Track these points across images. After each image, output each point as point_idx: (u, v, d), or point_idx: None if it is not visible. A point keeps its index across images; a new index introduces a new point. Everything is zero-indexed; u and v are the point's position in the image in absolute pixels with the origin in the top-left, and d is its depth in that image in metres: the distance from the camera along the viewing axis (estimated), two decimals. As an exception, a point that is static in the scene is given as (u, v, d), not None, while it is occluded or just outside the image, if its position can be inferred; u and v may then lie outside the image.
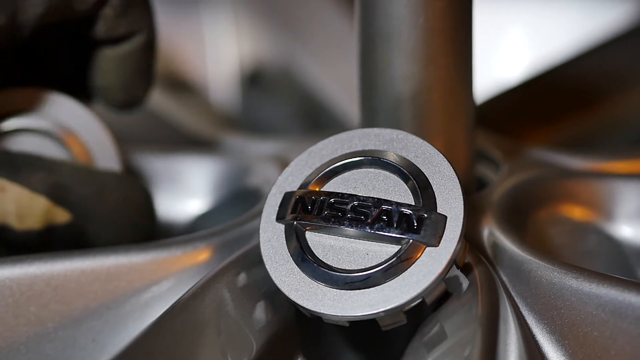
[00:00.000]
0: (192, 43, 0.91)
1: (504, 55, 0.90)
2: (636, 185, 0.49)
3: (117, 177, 0.47)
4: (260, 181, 0.54)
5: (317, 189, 0.42)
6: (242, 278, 0.42)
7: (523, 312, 0.41)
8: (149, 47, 0.49)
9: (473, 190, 0.49)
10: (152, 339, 0.38)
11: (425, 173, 0.41)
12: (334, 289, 0.39)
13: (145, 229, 0.48)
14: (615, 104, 0.63)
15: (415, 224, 0.39)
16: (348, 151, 0.42)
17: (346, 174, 0.42)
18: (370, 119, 0.46)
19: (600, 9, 0.87)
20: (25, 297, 0.43)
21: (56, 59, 0.50)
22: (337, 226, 0.40)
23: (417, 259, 0.39)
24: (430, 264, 0.39)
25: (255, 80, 0.88)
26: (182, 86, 0.88)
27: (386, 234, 0.39)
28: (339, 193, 0.41)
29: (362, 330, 0.41)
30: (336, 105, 0.78)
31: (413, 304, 0.39)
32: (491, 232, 0.45)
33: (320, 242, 0.41)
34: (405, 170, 0.41)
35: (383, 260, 0.39)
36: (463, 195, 0.40)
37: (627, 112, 0.64)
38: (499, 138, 0.54)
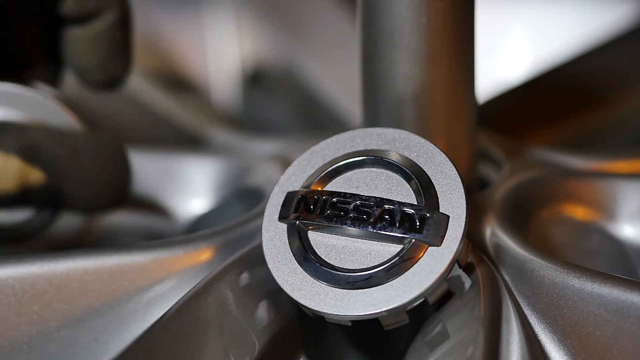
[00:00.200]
0: (193, 43, 0.91)
1: (506, 56, 0.90)
2: (638, 185, 0.49)
3: (91, 136, 0.47)
4: (262, 181, 0.54)
5: (319, 189, 0.42)
6: (244, 277, 0.42)
7: (525, 312, 0.41)
8: (123, 24, 0.48)
9: (475, 190, 0.49)
10: (155, 338, 0.38)
11: (427, 173, 0.41)
12: (337, 289, 0.39)
13: (121, 187, 0.47)
14: (616, 104, 0.63)
15: (418, 224, 0.39)
16: (350, 151, 0.42)
17: (348, 174, 0.42)
18: (372, 118, 0.46)
19: (601, 9, 0.87)
20: (27, 296, 0.43)
21: (25, 41, 0.49)
22: (339, 226, 0.40)
23: (420, 258, 0.39)
24: (433, 264, 0.39)
25: (256, 80, 0.88)
26: (184, 86, 0.88)
27: (388, 233, 0.39)
28: (341, 192, 0.41)
29: (365, 329, 0.41)
30: (337, 105, 0.78)
31: (415, 304, 0.39)
32: (493, 231, 0.45)
33: (322, 242, 0.41)
34: (407, 170, 0.41)
35: (385, 259, 0.39)
36: (465, 195, 0.40)
37: (628, 112, 0.64)
38: (500, 138, 0.54)
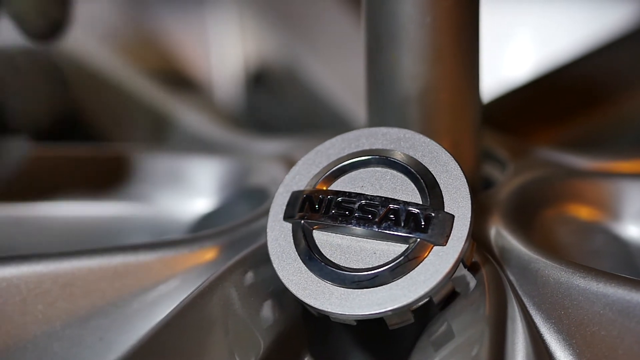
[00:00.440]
0: (196, 42, 0.91)
1: (511, 55, 0.90)
2: (643, 185, 0.49)
3: (29, 52, 0.46)
4: (266, 180, 0.54)
5: (324, 188, 0.42)
6: (249, 277, 0.42)
7: (530, 311, 0.41)
8: None
9: (480, 190, 0.49)
10: (160, 337, 0.38)
11: (432, 172, 0.41)
12: (342, 288, 0.39)
13: (60, 98, 0.46)
14: (621, 104, 0.63)
15: (423, 223, 0.39)
16: (355, 150, 0.42)
17: (353, 173, 0.42)
18: (377, 118, 0.46)
19: (605, 10, 0.87)
20: (32, 296, 0.43)
21: None
22: (344, 225, 0.40)
23: (425, 258, 0.39)
24: (438, 263, 0.39)
25: (259, 79, 0.88)
26: (187, 85, 0.88)
27: (394, 233, 0.39)
28: (346, 192, 0.41)
29: (370, 329, 0.41)
30: (341, 105, 0.78)
31: (420, 303, 0.39)
32: (498, 231, 0.45)
33: (327, 241, 0.41)
34: (412, 170, 0.41)
35: (390, 259, 0.39)
36: (470, 194, 0.40)
37: (633, 111, 0.64)
38: (505, 138, 0.54)
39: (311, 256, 0.40)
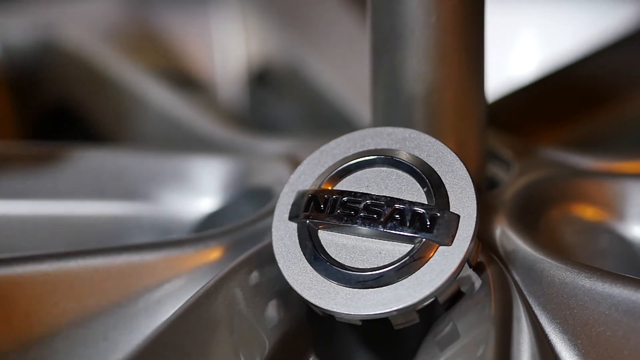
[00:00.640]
0: (200, 41, 0.91)
1: (516, 55, 0.90)
2: (648, 185, 0.49)
3: None
4: (270, 180, 0.54)
5: (329, 188, 0.42)
6: (254, 276, 0.42)
7: (535, 312, 0.41)
8: None
9: (484, 190, 0.49)
10: (165, 337, 0.38)
11: (437, 172, 0.41)
12: (347, 288, 0.39)
13: None
14: (625, 104, 0.63)
15: (428, 223, 0.39)
16: (360, 150, 0.42)
17: (359, 173, 0.42)
18: (382, 118, 0.46)
19: (610, 10, 0.87)
20: (36, 295, 0.43)
21: None
22: (349, 225, 0.40)
23: (430, 258, 0.39)
24: (443, 263, 0.39)
25: (263, 78, 0.88)
26: (190, 84, 0.88)
27: (399, 232, 0.39)
28: (351, 192, 0.41)
29: (375, 329, 0.41)
30: (344, 104, 0.78)
31: (426, 303, 0.39)
32: (503, 231, 0.44)
33: (332, 241, 0.41)
34: (417, 169, 0.41)
35: (396, 259, 0.39)
36: (476, 194, 0.40)
37: (637, 111, 0.63)
38: (509, 138, 0.54)
39: (316, 256, 0.40)
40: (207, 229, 0.50)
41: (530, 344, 0.39)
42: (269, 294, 0.42)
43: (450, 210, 0.40)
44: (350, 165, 0.42)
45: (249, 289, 0.42)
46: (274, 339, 0.41)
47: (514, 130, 0.55)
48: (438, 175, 0.41)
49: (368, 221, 0.40)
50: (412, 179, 0.41)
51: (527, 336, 0.40)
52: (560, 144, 0.58)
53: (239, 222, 0.46)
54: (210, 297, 0.40)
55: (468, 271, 0.40)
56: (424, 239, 0.39)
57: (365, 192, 0.41)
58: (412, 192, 0.41)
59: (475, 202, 0.40)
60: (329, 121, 0.79)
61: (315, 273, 0.40)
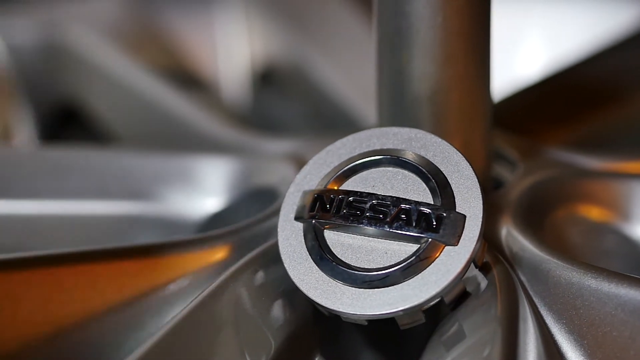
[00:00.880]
0: (204, 41, 0.91)
1: (521, 56, 0.90)
2: (653, 185, 0.49)
3: None
4: (275, 180, 0.54)
5: (335, 188, 0.42)
6: (260, 276, 0.42)
7: (541, 312, 0.41)
8: None
9: (490, 190, 0.49)
10: (170, 337, 0.38)
11: (444, 172, 0.41)
12: (353, 288, 0.39)
13: None
14: (630, 104, 0.63)
15: (434, 223, 0.39)
16: (366, 150, 0.42)
17: (365, 173, 0.42)
18: (388, 117, 0.46)
19: (614, 10, 0.87)
20: (40, 297, 0.43)
21: None
22: (355, 225, 0.40)
23: (436, 258, 0.39)
24: (449, 263, 0.39)
25: (266, 78, 0.88)
26: (194, 84, 0.88)
27: (405, 232, 0.39)
28: (357, 192, 0.41)
29: (381, 329, 0.41)
30: (348, 104, 0.78)
31: (432, 303, 0.39)
32: (509, 231, 0.44)
33: (338, 241, 0.41)
34: (424, 169, 0.41)
35: (402, 259, 0.39)
36: (482, 194, 0.40)
37: (643, 111, 0.63)
38: (515, 138, 0.54)
39: (322, 256, 0.40)
40: (212, 228, 0.50)
41: (537, 344, 0.39)
42: (275, 294, 0.42)
43: (457, 210, 0.40)
44: (356, 165, 0.42)
45: (255, 289, 0.42)
46: (279, 339, 0.41)
47: (519, 130, 0.55)
48: (444, 175, 0.41)
49: (374, 221, 0.40)
50: (418, 179, 0.41)
51: (533, 336, 0.40)
52: (566, 144, 0.58)
53: (244, 222, 0.46)
54: (216, 297, 0.40)
55: (474, 271, 0.40)
56: (430, 239, 0.39)
57: (371, 192, 0.41)
58: (418, 192, 0.41)
59: (481, 202, 0.40)
60: (332, 121, 0.79)
61: (321, 273, 0.40)
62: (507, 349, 0.37)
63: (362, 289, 0.39)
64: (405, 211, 0.40)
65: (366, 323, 0.39)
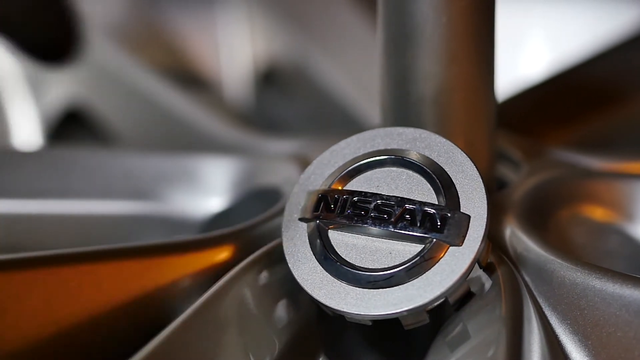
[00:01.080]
0: (206, 41, 0.91)
1: (525, 56, 0.89)
2: (657, 186, 0.49)
3: None
4: (279, 180, 0.54)
5: (339, 188, 0.42)
6: (264, 276, 0.42)
7: (546, 312, 0.41)
8: None
9: (494, 190, 0.49)
10: (175, 337, 0.38)
11: (448, 172, 0.41)
12: (357, 288, 0.39)
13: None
14: (634, 104, 0.63)
15: (439, 224, 0.39)
16: (371, 150, 0.42)
17: (369, 173, 0.42)
18: (392, 118, 0.46)
19: (617, 10, 0.87)
20: (42, 298, 0.43)
21: None
22: (360, 225, 0.40)
23: (441, 258, 0.39)
24: (454, 264, 0.39)
25: (269, 78, 0.88)
26: (197, 84, 0.88)
27: (409, 233, 0.39)
28: (362, 192, 0.41)
29: (385, 329, 0.41)
30: (350, 103, 0.78)
31: (436, 304, 0.39)
32: (513, 232, 0.44)
33: (343, 241, 0.41)
34: (428, 170, 0.41)
35: (406, 259, 0.39)
36: (486, 194, 0.40)
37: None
38: (518, 138, 0.54)
39: (327, 256, 0.40)
40: (215, 228, 0.50)
41: (541, 345, 0.39)
42: (279, 294, 0.42)
43: (461, 210, 0.40)
44: (361, 165, 0.42)
45: (259, 289, 0.42)
46: (283, 339, 0.41)
47: (522, 130, 0.55)
48: (448, 176, 0.40)
49: (378, 221, 0.40)
50: (423, 179, 0.41)
51: (537, 337, 0.40)
52: (570, 144, 0.58)
53: (248, 222, 0.46)
54: (220, 297, 0.40)
55: (478, 272, 0.40)
56: (434, 239, 0.39)
57: (376, 192, 0.41)
58: (423, 192, 0.41)
59: (485, 202, 0.40)
60: (334, 121, 0.79)
61: (326, 273, 0.40)
62: (512, 350, 0.37)
63: (367, 289, 0.39)
64: (410, 211, 0.40)
65: (370, 323, 0.39)
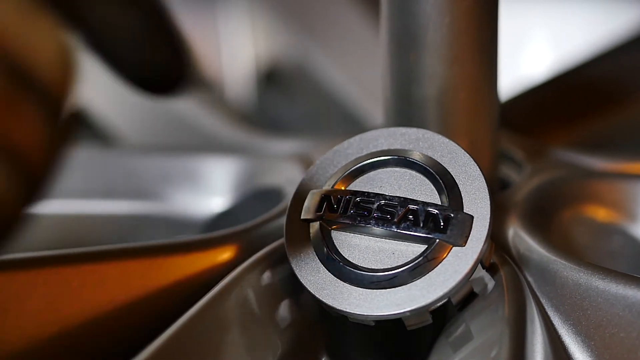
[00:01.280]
0: (208, 40, 0.91)
1: (527, 56, 0.89)
2: (660, 186, 0.48)
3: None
4: (281, 180, 0.54)
5: (342, 188, 0.41)
6: (266, 277, 0.42)
7: (549, 313, 0.41)
8: None
9: (497, 191, 0.48)
10: (177, 338, 0.38)
11: (451, 172, 0.41)
12: (360, 288, 0.39)
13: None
14: (637, 104, 0.63)
15: (442, 224, 0.39)
16: (374, 150, 0.42)
17: (372, 173, 0.42)
18: (395, 118, 0.46)
19: (620, 10, 0.87)
20: (44, 298, 0.43)
21: None
22: (363, 225, 0.40)
23: (444, 258, 0.39)
24: (457, 264, 0.39)
25: (271, 77, 0.88)
26: (198, 84, 0.88)
27: (412, 233, 0.39)
28: (365, 192, 0.41)
29: (388, 329, 0.41)
30: (352, 103, 0.78)
31: (439, 304, 0.39)
32: (516, 232, 0.44)
33: (346, 241, 0.41)
34: (431, 170, 0.41)
35: (409, 259, 0.39)
36: (489, 195, 0.40)
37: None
38: (521, 138, 0.53)
39: (329, 256, 0.40)
40: (217, 228, 0.50)
41: (544, 345, 0.39)
42: (282, 294, 0.42)
43: (464, 210, 0.39)
44: (364, 165, 0.42)
45: (262, 289, 0.42)
46: (286, 339, 0.41)
47: (525, 130, 0.55)
48: (451, 176, 0.40)
49: (381, 221, 0.40)
50: (426, 179, 0.41)
51: (540, 337, 0.40)
52: (572, 144, 0.58)
53: (251, 222, 0.46)
54: (223, 297, 0.40)
55: (481, 272, 0.40)
56: (437, 240, 0.39)
57: (379, 192, 0.41)
58: (426, 192, 0.41)
59: (489, 202, 0.40)
60: (336, 121, 0.79)
61: (328, 273, 0.40)
62: (515, 350, 0.36)
63: (370, 290, 0.39)
64: (413, 212, 0.40)
65: (373, 324, 0.39)
